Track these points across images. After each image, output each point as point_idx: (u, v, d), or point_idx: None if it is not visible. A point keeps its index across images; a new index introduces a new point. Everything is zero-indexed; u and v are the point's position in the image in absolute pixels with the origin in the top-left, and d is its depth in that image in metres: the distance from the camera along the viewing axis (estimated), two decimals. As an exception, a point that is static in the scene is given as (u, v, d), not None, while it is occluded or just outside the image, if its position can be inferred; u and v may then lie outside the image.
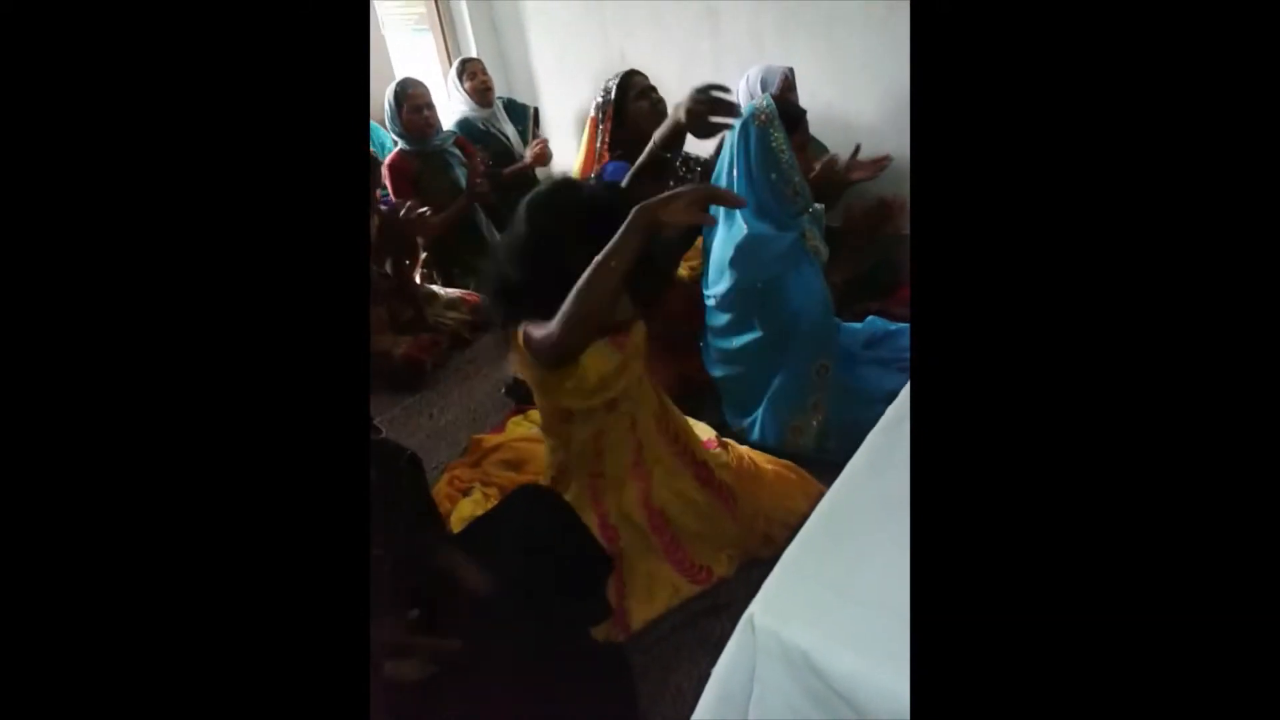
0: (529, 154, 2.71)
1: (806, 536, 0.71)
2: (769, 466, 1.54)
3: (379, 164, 2.34)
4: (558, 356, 1.18)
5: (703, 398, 1.82)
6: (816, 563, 0.68)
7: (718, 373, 1.81)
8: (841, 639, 0.60)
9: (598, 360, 1.25)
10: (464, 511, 1.57)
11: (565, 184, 1.27)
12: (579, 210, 1.20)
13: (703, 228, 1.79)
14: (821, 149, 2.28)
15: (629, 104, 2.07)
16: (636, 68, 2.21)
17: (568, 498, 1.33)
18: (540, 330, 1.14)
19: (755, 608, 0.64)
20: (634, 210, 1.05)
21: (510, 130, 2.87)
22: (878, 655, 0.60)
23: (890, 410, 0.98)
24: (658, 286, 1.35)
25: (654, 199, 1.05)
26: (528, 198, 1.24)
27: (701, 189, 1.10)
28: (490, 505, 1.50)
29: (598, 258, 1.06)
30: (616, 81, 2.08)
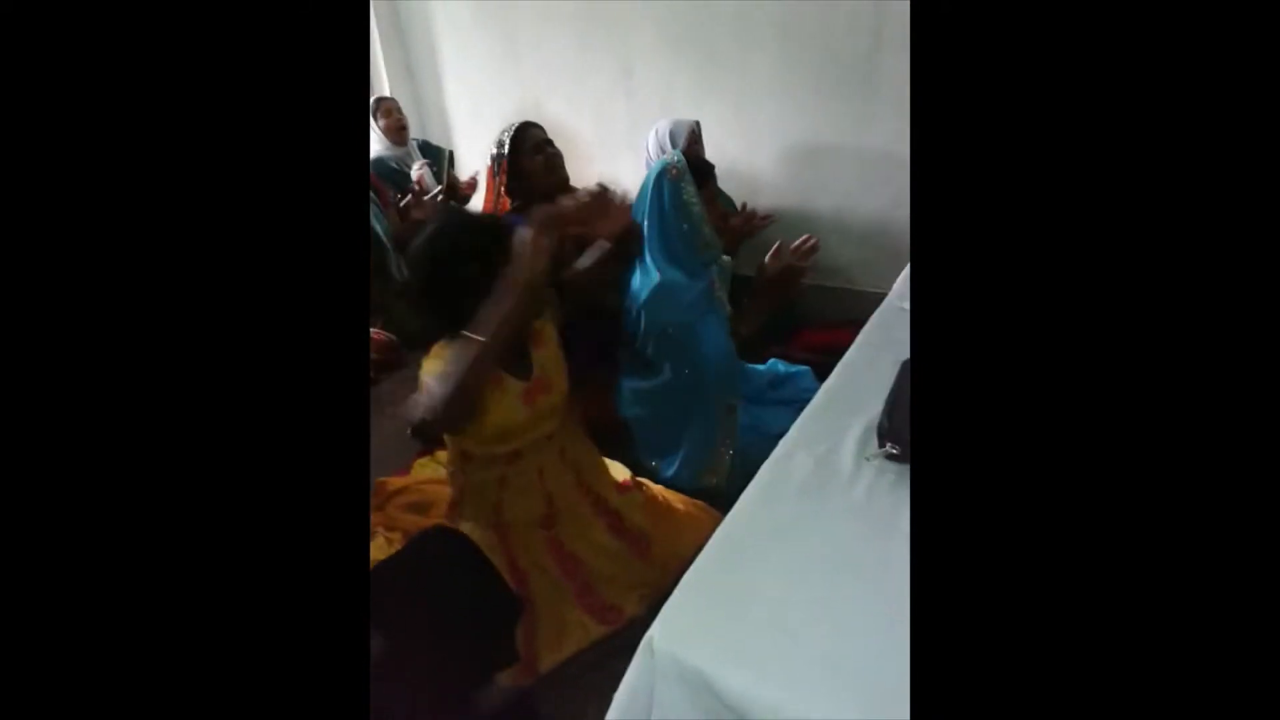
0: (417, 179, 2.68)
1: (704, 561, 0.74)
2: (681, 506, 1.56)
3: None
4: (450, 419, 1.15)
5: (615, 437, 1.84)
6: (712, 586, 0.71)
7: (631, 413, 1.84)
8: (735, 657, 0.63)
9: (501, 412, 1.22)
10: (366, 557, 1.51)
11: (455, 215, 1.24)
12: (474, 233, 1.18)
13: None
14: (729, 202, 2.40)
15: (523, 158, 2.01)
16: (548, 121, 2.23)
17: (475, 539, 1.30)
18: (436, 387, 1.10)
19: (655, 630, 0.66)
20: (529, 222, 1.08)
21: (428, 172, 2.87)
22: (769, 672, 0.62)
23: (779, 446, 1.03)
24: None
25: (545, 209, 1.08)
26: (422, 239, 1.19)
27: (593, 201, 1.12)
28: (392, 551, 1.45)
29: (475, 339, 1.06)
30: (510, 135, 2.00)
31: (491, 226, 1.21)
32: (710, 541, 0.80)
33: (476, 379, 1.10)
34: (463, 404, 1.10)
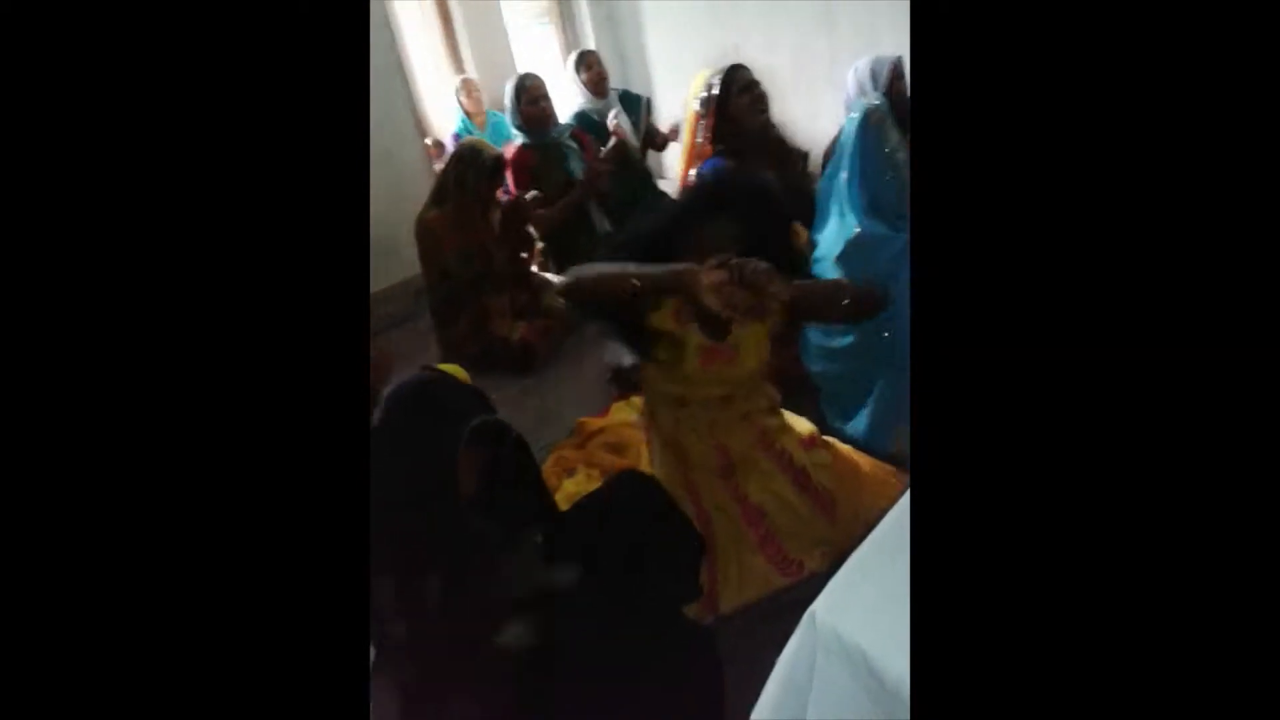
0: (614, 129, 2.77)
1: (878, 537, 0.74)
2: (869, 468, 1.53)
3: (502, 158, 2.46)
4: (568, 290, 1.29)
5: (800, 392, 1.82)
6: (883, 565, 0.71)
7: (816, 368, 1.81)
8: (899, 642, 0.63)
9: (673, 351, 1.29)
10: (569, 490, 1.67)
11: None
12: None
13: (815, 217, 1.78)
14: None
15: (731, 99, 2.05)
16: (746, 63, 2.20)
17: (662, 479, 1.39)
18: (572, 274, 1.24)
19: (818, 604, 0.67)
20: (683, 268, 1.10)
21: (625, 120, 2.95)
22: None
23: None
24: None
25: (701, 271, 1.07)
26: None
27: (753, 273, 1.06)
28: (592, 485, 1.59)
29: (632, 267, 1.13)
30: (720, 77, 2.06)
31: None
32: (886, 516, 0.79)
33: (604, 284, 1.19)
34: (580, 291, 1.23)
